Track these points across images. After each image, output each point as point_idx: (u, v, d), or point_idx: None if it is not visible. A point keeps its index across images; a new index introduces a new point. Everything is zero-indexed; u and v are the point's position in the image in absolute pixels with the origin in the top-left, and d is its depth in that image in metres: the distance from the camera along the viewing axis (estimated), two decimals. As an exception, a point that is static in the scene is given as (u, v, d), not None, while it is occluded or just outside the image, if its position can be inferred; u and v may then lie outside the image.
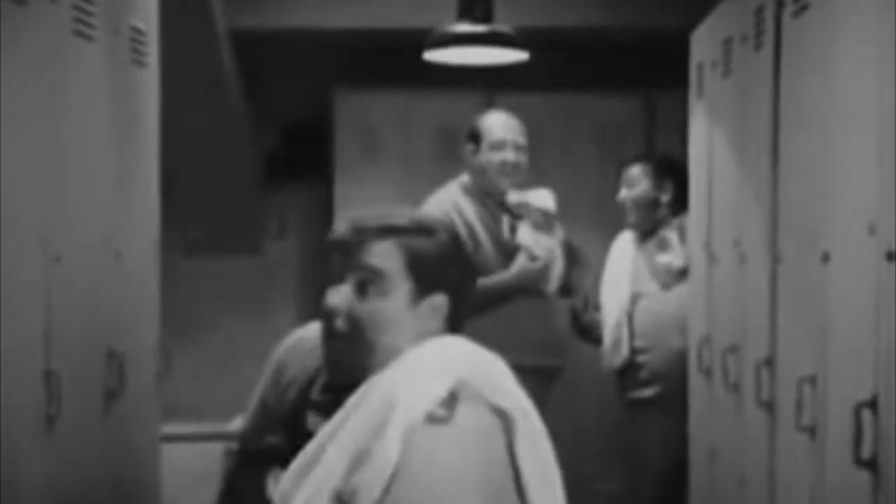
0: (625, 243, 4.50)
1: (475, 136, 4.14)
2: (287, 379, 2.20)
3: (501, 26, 4.36)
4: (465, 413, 1.80)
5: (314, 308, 2.06)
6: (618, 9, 5.01)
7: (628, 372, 4.31)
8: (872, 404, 2.18)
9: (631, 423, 4.40)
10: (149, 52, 3.42)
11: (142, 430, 3.39)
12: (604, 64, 5.50)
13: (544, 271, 4.02)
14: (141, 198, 3.39)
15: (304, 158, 5.76)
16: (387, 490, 1.73)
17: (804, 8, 2.70)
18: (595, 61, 5.51)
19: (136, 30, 3.30)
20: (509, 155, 4.08)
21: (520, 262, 4.02)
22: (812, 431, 2.57)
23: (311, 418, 2.09)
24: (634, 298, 4.32)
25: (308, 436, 1.91)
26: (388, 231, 1.95)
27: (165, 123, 3.60)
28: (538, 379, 4.04)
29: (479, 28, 4.34)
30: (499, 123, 4.13)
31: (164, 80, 3.57)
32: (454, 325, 1.98)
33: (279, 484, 1.90)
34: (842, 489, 2.36)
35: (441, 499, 1.73)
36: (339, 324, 1.93)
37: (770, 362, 2.97)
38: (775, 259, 2.93)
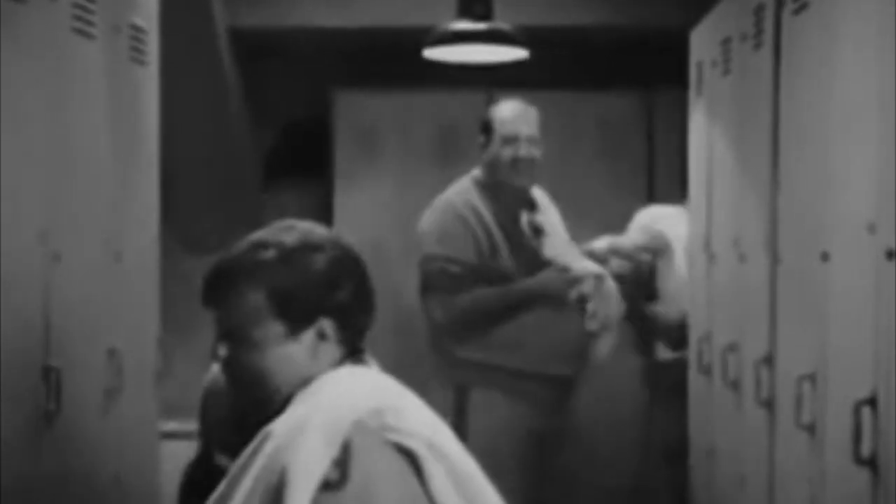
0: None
1: (487, 128, 3.87)
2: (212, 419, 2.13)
3: (501, 24, 4.36)
4: (362, 467, 1.67)
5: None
6: (618, 7, 5.01)
7: (677, 330, 4.26)
8: (872, 402, 2.18)
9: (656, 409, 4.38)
10: (149, 50, 3.42)
11: (141, 428, 3.39)
12: (604, 62, 5.50)
13: (572, 282, 3.86)
14: (141, 197, 3.39)
15: (304, 158, 5.75)
16: None
17: (804, 6, 2.70)
18: (595, 59, 5.51)
19: (136, 28, 3.30)
20: (521, 150, 3.80)
21: (549, 274, 3.85)
22: (811, 429, 2.57)
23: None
24: None
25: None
26: (242, 275, 1.79)
27: (165, 123, 3.59)
28: (555, 387, 3.94)
29: (479, 26, 4.34)
30: (511, 115, 3.85)
31: (163, 78, 3.57)
32: (353, 344, 1.84)
33: None
34: (841, 487, 2.36)
35: None
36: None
37: (770, 360, 2.96)
38: (775, 258, 2.93)
